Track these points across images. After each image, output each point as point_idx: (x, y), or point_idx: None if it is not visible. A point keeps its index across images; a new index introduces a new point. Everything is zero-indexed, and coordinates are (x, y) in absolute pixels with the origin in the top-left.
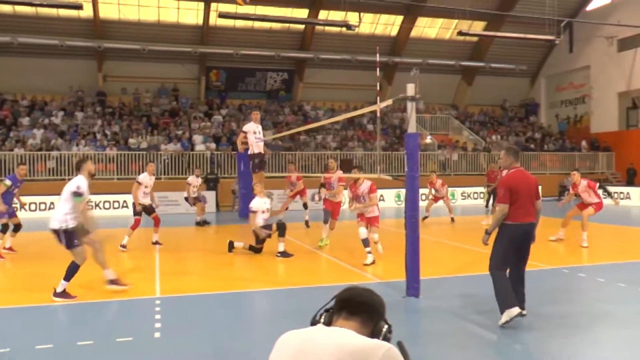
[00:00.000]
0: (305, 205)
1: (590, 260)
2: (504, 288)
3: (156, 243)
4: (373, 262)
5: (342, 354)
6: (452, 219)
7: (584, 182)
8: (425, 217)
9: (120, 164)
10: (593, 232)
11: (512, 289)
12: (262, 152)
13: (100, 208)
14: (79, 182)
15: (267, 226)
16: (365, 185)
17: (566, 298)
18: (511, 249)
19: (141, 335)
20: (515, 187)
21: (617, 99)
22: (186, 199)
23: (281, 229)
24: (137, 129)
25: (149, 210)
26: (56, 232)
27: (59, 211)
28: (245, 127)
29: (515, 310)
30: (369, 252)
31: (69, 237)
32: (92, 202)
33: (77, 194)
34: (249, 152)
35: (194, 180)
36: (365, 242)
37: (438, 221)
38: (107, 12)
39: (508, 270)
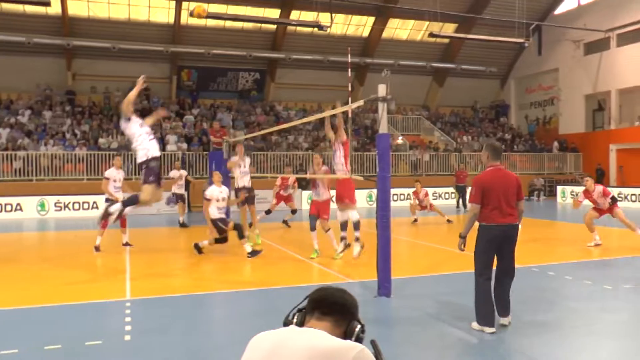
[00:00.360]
0: (294, 212)
1: (559, 259)
2: (483, 300)
3: (126, 244)
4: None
5: (313, 355)
6: (449, 220)
7: (599, 189)
8: (415, 220)
9: (90, 164)
10: (561, 230)
11: (494, 300)
12: (248, 185)
13: (69, 209)
14: None
15: (223, 220)
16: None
17: (535, 296)
18: (490, 252)
19: (111, 338)
20: (489, 187)
21: (584, 101)
22: (174, 195)
23: (239, 230)
24: (108, 128)
25: None
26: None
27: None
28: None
29: (490, 329)
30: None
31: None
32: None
33: None
34: (235, 186)
35: (176, 173)
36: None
37: (423, 221)
38: (76, 9)
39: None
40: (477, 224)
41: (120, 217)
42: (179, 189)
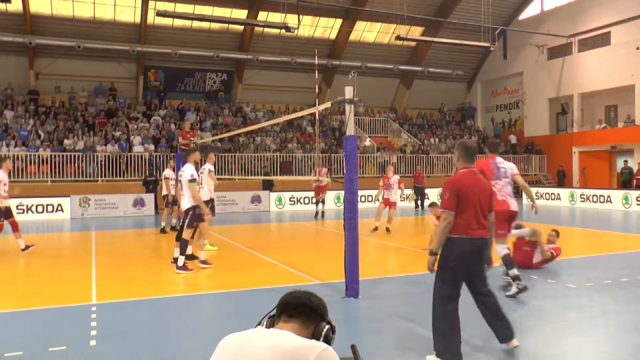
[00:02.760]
0: (323, 201)
1: None
2: (448, 327)
3: (26, 248)
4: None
5: (277, 354)
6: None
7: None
8: (375, 229)
9: (55, 165)
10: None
11: (488, 324)
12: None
13: (32, 212)
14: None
15: (211, 208)
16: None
17: (500, 295)
18: (460, 270)
19: (76, 343)
20: (465, 191)
21: (547, 105)
22: (165, 197)
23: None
24: (73, 129)
25: (5, 213)
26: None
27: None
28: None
29: None
30: None
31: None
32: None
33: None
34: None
35: (171, 173)
36: None
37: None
38: (39, 6)
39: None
40: None
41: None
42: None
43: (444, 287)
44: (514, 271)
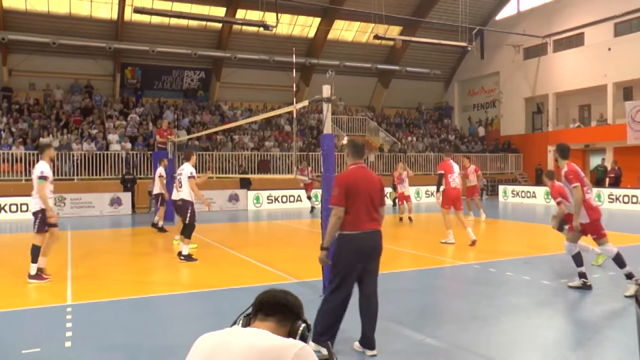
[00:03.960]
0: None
1: (500, 256)
2: (332, 317)
3: None
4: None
5: (253, 353)
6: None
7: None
8: (401, 219)
9: (29, 164)
10: (502, 228)
11: (339, 322)
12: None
13: (6, 211)
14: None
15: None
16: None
17: (477, 292)
18: (354, 266)
19: (50, 345)
20: (354, 186)
21: (523, 104)
22: (157, 196)
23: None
24: (48, 127)
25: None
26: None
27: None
28: (194, 172)
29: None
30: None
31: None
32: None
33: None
34: (180, 198)
35: (163, 171)
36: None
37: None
38: (12, 2)
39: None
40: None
41: None
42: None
43: (335, 280)
44: (582, 269)
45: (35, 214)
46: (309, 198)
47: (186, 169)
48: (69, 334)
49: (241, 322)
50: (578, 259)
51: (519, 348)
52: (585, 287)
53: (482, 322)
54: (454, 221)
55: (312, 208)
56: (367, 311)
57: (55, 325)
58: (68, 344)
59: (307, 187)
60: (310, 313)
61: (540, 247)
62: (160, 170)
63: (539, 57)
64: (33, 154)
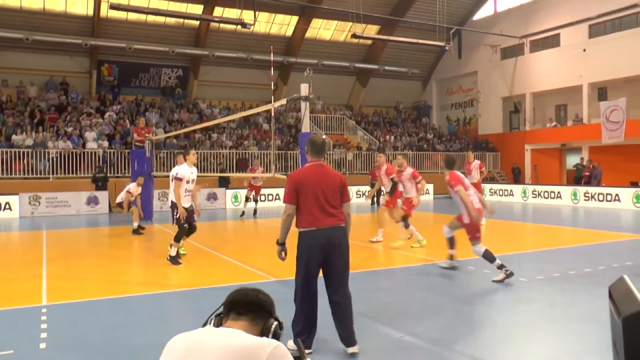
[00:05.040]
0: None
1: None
2: (304, 318)
3: None
4: None
5: (228, 353)
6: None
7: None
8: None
9: (2, 162)
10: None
11: (312, 320)
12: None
13: None
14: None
15: (190, 213)
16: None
17: (455, 290)
18: (312, 263)
19: (24, 347)
20: (304, 183)
21: (501, 103)
22: (120, 204)
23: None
24: (21, 124)
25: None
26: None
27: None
28: (180, 173)
29: (308, 351)
30: None
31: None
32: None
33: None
34: (170, 199)
35: (136, 189)
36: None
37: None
38: None
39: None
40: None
41: None
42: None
43: (298, 278)
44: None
45: (171, 207)
46: (249, 200)
47: (174, 169)
48: (43, 335)
49: (213, 321)
50: (489, 256)
51: (496, 344)
52: (508, 275)
53: (460, 319)
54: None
55: (243, 212)
56: (337, 312)
57: (30, 326)
58: (43, 345)
59: (255, 189)
60: (289, 312)
61: (517, 244)
62: (132, 186)
63: (516, 57)
64: (6, 152)
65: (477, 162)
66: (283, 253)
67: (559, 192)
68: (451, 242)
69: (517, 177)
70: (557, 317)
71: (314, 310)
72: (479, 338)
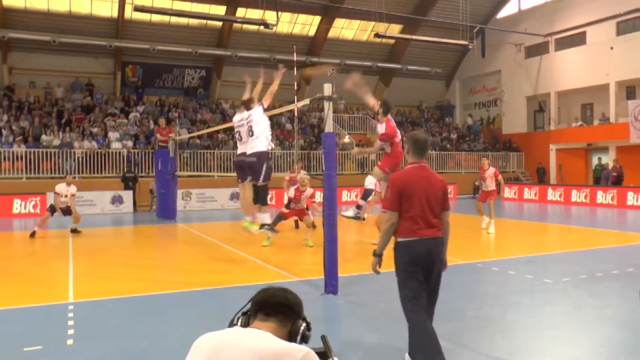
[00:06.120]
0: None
1: (502, 255)
2: (423, 334)
3: None
4: None
5: (258, 358)
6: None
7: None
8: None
9: (30, 162)
10: (504, 227)
11: (432, 339)
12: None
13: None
14: None
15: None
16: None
17: (480, 291)
18: (416, 274)
19: (52, 343)
20: (409, 189)
21: (525, 103)
22: (51, 207)
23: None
24: (49, 125)
25: None
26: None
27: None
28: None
29: None
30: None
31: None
32: None
33: None
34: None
35: (63, 189)
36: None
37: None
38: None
39: None
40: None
41: None
42: (63, 204)
43: (403, 291)
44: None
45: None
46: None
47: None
48: (70, 331)
49: (240, 321)
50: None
51: (523, 347)
52: (358, 218)
53: (486, 321)
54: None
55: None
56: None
57: (57, 323)
58: (70, 341)
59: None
60: (313, 312)
61: (543, 246)
62: (60, 186)
63: (540, 55)
64: (34, 152)
65: (492, 170)
66: (378, 265)
67: (584, 192)
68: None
69: (541, 177)
70: (583, 319)
71: (426, 319)
72: (503, 339)
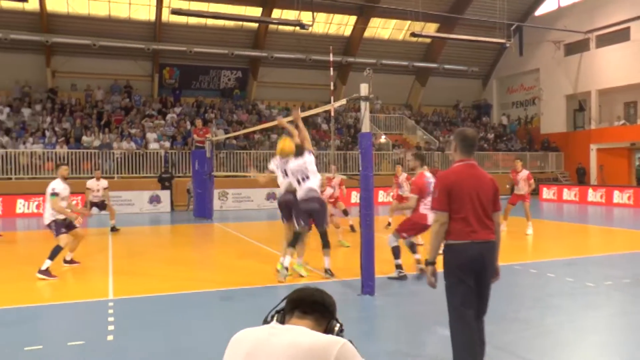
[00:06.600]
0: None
1: (541, 257)
2: (462, 342)
3: None
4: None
5: (297, 351)
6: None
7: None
8: (389, 225)
9: (71, 162)
10: (543, 228)
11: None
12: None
13: None
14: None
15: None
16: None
17: (519, 293)
18: (467, 280)
19: (93, 338)
20: (458, 188)
21: (564, 101)
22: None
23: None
24: (89, 126)
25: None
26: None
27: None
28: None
29: None
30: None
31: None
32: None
33: (52, 194)
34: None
35: (94, 184)
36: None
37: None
38: (55, 5)
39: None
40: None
41: None
42: (96, 198)
43: (451, 297)
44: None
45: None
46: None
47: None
48: (111, 327)
49: (274, 319)
50: (396, 252)
51: (563, 352)
52: (401, 277)
53: (524, 324)
54: None
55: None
56: (480, 337)
57: (98, 319)
58: (110, 337)
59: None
60: (350, 313)
61: (584, 248)
62: (104, 183)
63: (581, 53)
64: (75, 153)
65: (525, 173)
66: (434, 276)
67: (627, 194)
68: (396, 252)
69: (581, 177)
70: (628, 325)
71: (476, 330)
72: (544, 344)
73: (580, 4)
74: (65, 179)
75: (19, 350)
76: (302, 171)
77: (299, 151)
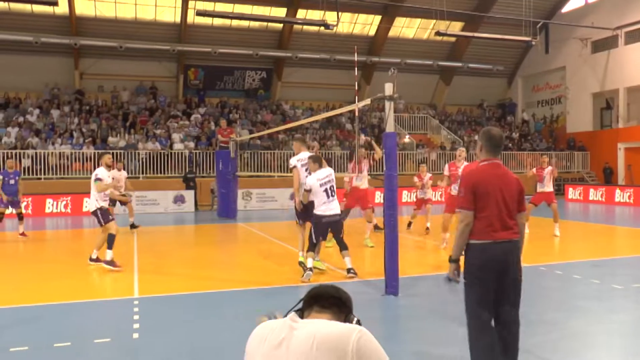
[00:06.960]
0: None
1: (566, 258)
2: (479, 343)
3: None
4: None
5: (319, 340)
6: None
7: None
8: (409, 225)
9: (97, 163)
10: (568, 229)
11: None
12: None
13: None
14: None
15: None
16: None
17: (544, 295)
18: (487, 281)
19: (119, 336)
20: (484, 187)
21: (591, 100)
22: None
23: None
24: (115, 127)
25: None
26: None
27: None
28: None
29: None
30: None
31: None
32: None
33: (96, 179)
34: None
35: (117, 174)
36: None
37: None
38: (83, 8)
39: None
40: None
41: None
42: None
43: (469, 295)
44: None
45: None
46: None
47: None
48: (136, 325)
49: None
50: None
51: (588, 353)
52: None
53: (550, 326)
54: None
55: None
56: (505, 343)
57: (124, 317)
58: (136, 335)
59: (360, 200)
60: (374, 312)
61: (611, 249)
62: (124, 173)
63: (608, 50)
64: (101, 154)
65: (550, 168)
66: (457, 274)
67: None
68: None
69: (608, 177)
70: None
71: (494, 337)
72: (567, 345)
73: (609, 0)
74: (108, 167)
75: (49, 347)
76: (330, 182)
77: (321, 162)
